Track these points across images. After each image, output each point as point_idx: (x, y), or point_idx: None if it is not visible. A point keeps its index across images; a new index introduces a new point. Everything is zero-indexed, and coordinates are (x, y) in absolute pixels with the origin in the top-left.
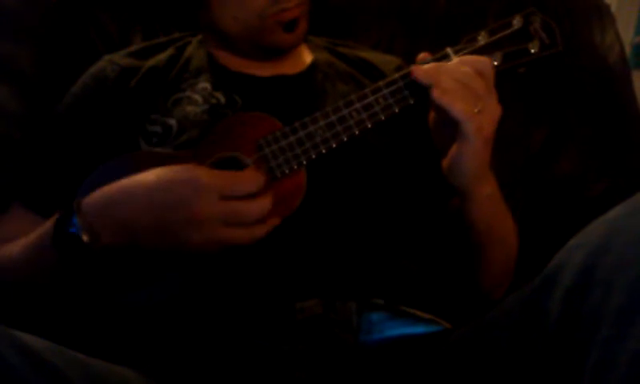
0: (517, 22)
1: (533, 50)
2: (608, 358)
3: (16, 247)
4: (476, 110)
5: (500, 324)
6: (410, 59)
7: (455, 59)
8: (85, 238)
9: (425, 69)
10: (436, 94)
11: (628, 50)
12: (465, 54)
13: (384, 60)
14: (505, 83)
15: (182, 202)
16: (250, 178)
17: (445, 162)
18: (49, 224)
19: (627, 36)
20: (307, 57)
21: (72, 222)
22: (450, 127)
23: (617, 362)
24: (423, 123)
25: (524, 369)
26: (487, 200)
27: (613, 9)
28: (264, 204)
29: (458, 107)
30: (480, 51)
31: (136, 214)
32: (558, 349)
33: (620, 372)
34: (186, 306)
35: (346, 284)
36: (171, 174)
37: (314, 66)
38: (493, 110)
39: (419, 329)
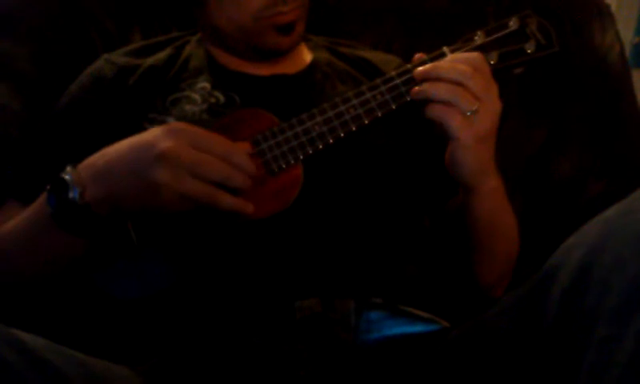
0: (513, 24)
1: (529, 50)
2: (605, 357)
3: (11, 221)
4: (474, 108)
5: (497, 322)
6: (408, 60)
7: (449, 57)
8: (76, 190)
9: (418, 89)
10: (426, 112)
11: (628, 50)
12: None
13: (385, 60)
14: (505, 84)
15: (155, 140)
16: (223, 140)
17: (446, 156)
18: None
19: (627, 36)
20: (307, 56)
21: (67, 180)
22: None
23: (613, 362)
24: (422, 120)
25: (521, 368)
26: (490, 195)
27: (613, 9)
28: (234, 168)
29: (448, 123)
30: (476, 51)
31: (111, 161)
32: (555, 348)
33: (616, 371)
34: (184, 305)
35: (345, 283)
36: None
37: (313, 65)
38: (492, 107)
39: (418, 328)
